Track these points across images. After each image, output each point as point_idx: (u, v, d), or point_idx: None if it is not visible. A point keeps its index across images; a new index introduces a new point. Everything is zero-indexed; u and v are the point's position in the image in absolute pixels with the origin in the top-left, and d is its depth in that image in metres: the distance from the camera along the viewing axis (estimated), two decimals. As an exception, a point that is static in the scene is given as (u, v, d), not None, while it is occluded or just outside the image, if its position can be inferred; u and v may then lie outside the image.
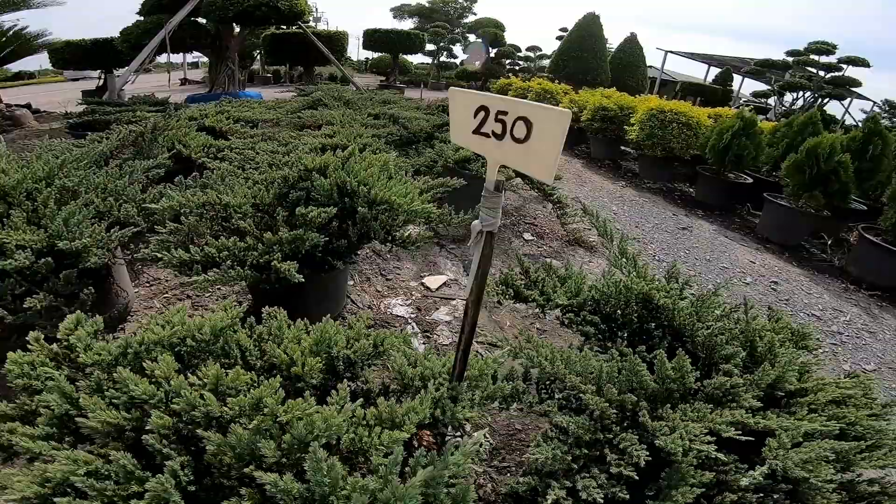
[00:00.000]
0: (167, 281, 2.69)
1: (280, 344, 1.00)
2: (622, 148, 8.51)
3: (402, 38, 12.49)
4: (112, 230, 1.81)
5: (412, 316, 2.54)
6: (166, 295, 2.57)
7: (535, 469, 1.02)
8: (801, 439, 0.96)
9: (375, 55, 14.60)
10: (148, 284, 2.66)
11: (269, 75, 16.48)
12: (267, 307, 1.28)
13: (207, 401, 0.85)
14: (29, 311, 1.68)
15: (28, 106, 7.53)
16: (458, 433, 1.92)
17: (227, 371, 0.94)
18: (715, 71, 19.86)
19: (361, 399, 0.92)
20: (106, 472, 0.81)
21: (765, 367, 1.09)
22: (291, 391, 0.99)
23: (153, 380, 0.94)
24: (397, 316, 2.52)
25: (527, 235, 4.05)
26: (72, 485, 0.81)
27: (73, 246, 1.70)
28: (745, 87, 20.28)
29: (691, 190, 6.56)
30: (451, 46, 16.22)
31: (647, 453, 0.94)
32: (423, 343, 2.38)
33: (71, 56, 11.44)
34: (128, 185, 2.13)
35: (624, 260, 1.77)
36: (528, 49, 17.72)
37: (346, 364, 1.04)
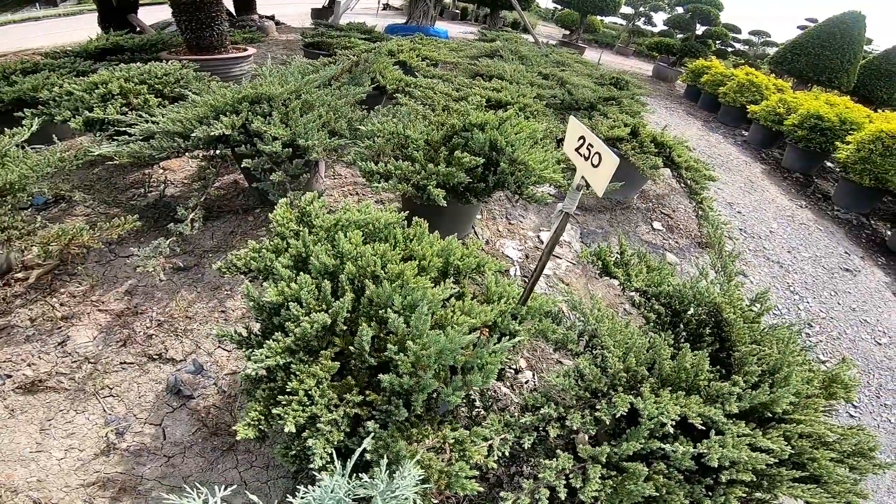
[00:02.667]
0: (345, 178, 3.53)
1: (420, 244, 1.53)
2: (826, 164, 7.21)
3: None
4: (332, 138, 2.55)
5: (519, 260, 2.96)
6: (343, 188, 3.41)
7: (545, 391, 1.41)
8: (745, 445, 1.15)
9: (562, 10, 13.89)
10: (333, 178, 3.53)
11: (457, 11, 17.10)
12: (415, 217, 1.84)
13: (375, 263, 1.42)
14: (270, 181, 2.54)
15: (272, 17, 9.30)
16: (514, 367, 2.37)
17: (390, 250, 1.51)
18: None
19: (458, 291, 1.42)
20: (316, 294, 1.45)
21: (763, 388, 1.26)
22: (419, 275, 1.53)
23: (350, 243, 1.56)
24: (507, 255, 2.97)
25: (657, 225, 4.04)
26: (297, 297, 1.44)
27: (306, 143, 2.47)
28: None
29: (889, 232, 5.44)
30: (650, 13, 14.56)
31: (626, 410, 1.25)
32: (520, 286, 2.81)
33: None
34: (343, 105, 2.86)
35: (715, 272, 1.92)
36: (752, 33, 15.01)
37: (455, 270, 1.54)
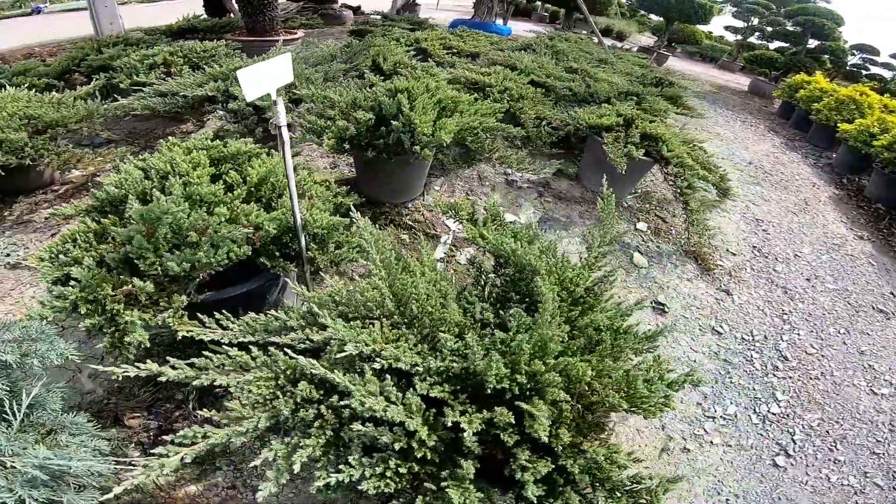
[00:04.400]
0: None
1: (254, 168, 1.79)
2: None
3: (679, 4, 10.47)
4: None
5: (457, 231, 3.04)
6: (314, 147, 3.71)
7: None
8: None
9: (656, 18, 12.91)
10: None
11: (545, 14, 16.94)
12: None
13: (187, 171, 1.71)
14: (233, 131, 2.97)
15: (356, 8, 10.11)
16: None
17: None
18: None
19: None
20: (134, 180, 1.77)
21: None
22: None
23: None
24: (445, 224, 3.07)
25: (641, 225, 3.80)
26: (119, 182, 1.80)
27: (263, 104, 2.85)
28: None
29: None
30: (765, 28, 12.97)
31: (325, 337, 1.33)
32: (444, 254, 2.89)
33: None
34: (315, 77, 3.22)
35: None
36: (893, 56, 12.71)
37: (278, 191, 1.77)
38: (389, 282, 1.52)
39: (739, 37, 15.09)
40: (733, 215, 4.50)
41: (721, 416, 2.34)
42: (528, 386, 1.21)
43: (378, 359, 1.22)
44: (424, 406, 1.18)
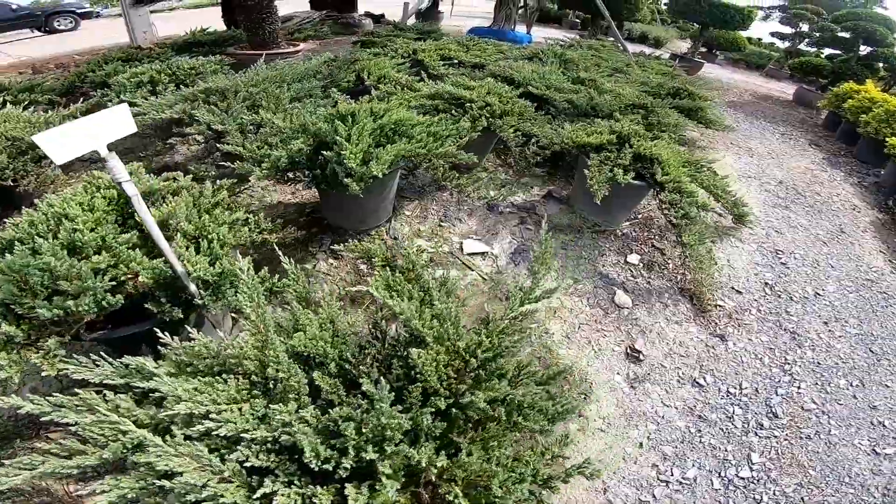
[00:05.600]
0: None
1: (170, 207, 1.70)
2: None
3: (713, 9, 9.63)
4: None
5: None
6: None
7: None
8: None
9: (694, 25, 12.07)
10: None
11: (576, 21, 16.35)
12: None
13: (83, 220, 1.64)
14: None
15: (379, 16, 10.12)
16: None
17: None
18: None
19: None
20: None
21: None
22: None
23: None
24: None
25: (632, 258, 3.48)
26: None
27: (222, 128, 2.79)
28: None
29: None
30: (815, 34, 12.01)
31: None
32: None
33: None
34: (283, 97, 3.13)
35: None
36: None
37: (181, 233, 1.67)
38: (262, 338, 1.39)
39: (788, 43, 14.08)
40: (748, 245, 4.07)
41: (677, 481, 2.04)
42: (366, 469, 1.06)
43: (206, 420, 1.12)
44: (245, 472, 1.08)
